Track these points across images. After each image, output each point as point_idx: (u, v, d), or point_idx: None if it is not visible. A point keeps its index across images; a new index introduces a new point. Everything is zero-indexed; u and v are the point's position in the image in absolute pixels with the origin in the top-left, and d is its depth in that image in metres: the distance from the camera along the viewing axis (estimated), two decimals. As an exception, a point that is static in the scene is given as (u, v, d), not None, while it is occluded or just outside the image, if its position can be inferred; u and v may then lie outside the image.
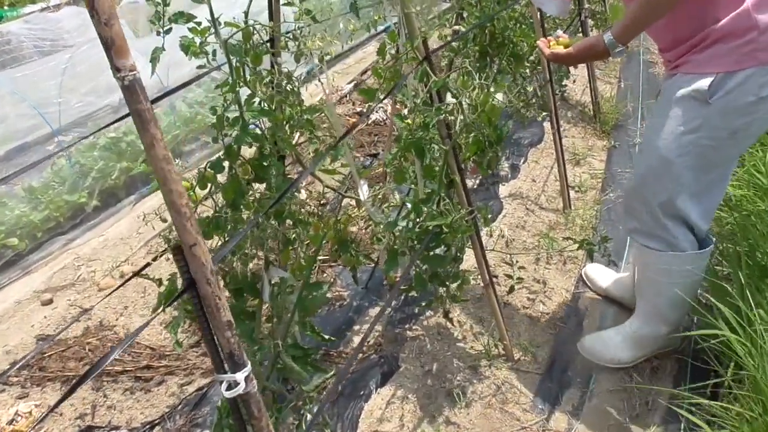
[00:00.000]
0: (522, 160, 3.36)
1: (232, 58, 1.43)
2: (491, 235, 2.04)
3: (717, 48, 1.50)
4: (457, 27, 3.14)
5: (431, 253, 1.80)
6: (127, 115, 1.44)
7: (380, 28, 6.33)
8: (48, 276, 2.72)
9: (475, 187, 3.12)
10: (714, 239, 1.86)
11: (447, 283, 1.88)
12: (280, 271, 1.69)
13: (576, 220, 2.89)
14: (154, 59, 1.27)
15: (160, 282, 1.66)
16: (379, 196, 2.19)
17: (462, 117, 1.76)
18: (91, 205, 3.01)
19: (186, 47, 1.36)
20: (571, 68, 3.84)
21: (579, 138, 3.68)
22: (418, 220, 1.79)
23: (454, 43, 2.99)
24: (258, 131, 1.48)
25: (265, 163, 1.60)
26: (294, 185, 1.56)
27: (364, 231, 2.58)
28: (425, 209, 1.78)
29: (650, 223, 1.75)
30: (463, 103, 1.72)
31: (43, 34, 4.47)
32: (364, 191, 2.01)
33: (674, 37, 1.60)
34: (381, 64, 1.91)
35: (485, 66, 3.23)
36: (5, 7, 8.26)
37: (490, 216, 1.96)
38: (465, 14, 3.55)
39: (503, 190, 3.10)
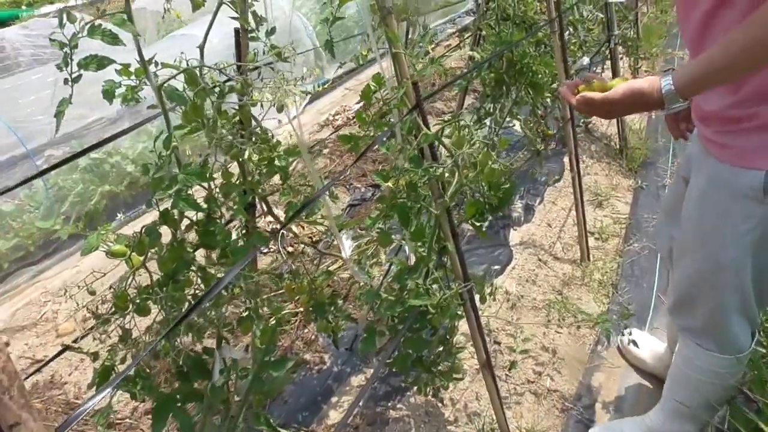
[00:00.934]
0: (538, 200, 3.06)
1: (169, 104, 1.18)
2: (494, 297, 1.76)
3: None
4: (472, 53, 2.85)
5: (415, 335, 1.52)
6: (115, 136, 1.17)
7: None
8: (10, 313, 2.50)
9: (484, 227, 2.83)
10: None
11: (433, 369, 1.59)
12: (232, 351, 1.43)
13: (594, 274, 2.58)
14: (59, 114, 1.02)
15: (95, 356, 1.43)
16: (367, 252, 1.92)
17: (457, 177, 1.48)
18: (66, 231, 2.78)
19: (109, 92, 1.11)
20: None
21: (602, 175, 3.36)
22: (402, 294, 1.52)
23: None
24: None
25: (212, 228, 1.34)
26: (247, 259, 1.30)
27: (348, 285, 2.30)
28: (409, 282, 1.50)
29: (707, 322, 1.44)
30: (459, 161, 1.44)
31: (42, 42, 4.28)
32: (347, 248, 1.73)
33: (737, 99, 1.16)
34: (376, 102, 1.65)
35: (501, 95, 2.95)
36: (23, 7, 8.19)
37: (489, 291, 1.66)
38: (482, 37, 3.28)
39: (514, 235, 2.80)
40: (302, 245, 2.75)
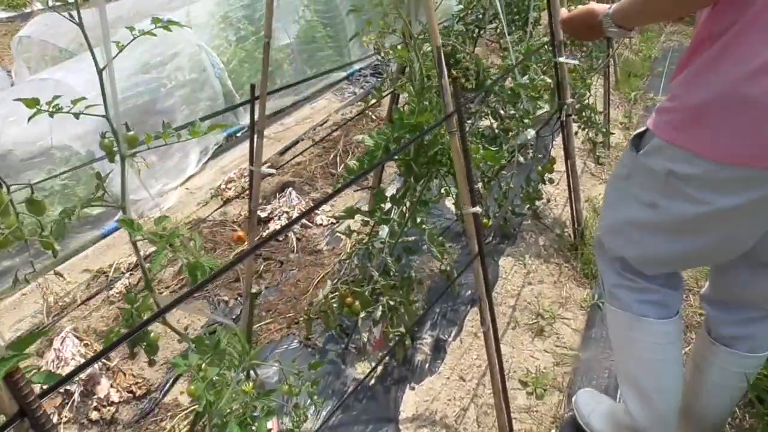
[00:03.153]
0: (453, 332, 2.27)
1: None
2: None
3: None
4: (361, 137, 2.08)
5: None
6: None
7: (342, 74, 5.30)
8: None
9: (370, 383, 2.03)
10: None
11: None
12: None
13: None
14: None
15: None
16: None
17: None
18: None
19: None
20: (548, 183, 2.74)
21: (549, 283, 2.59)
22: None
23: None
24: None
25: None
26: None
27: None
28: None
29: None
30: None
31: None
32: None
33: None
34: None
35: (406, 191, 2.18)
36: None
37: None
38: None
39: (409, 400, 1.99)
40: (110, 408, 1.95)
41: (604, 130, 2.69)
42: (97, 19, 4.00)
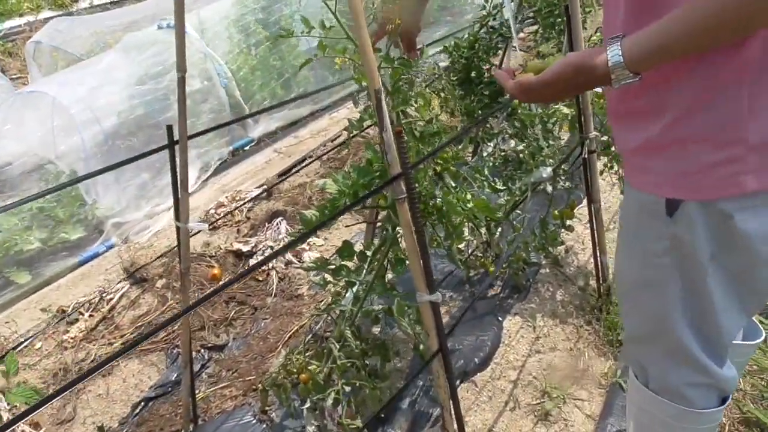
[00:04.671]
0: (434, 415, 1.89)
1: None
2: None
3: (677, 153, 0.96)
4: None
5: None
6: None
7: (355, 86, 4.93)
8: None
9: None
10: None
11: None
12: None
13: None
14: None
15: None
16: None
17: None
18: None
19: None
20: (567, 231, 2.30)
21: (564, 350, 2.16)
22: None
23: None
24: None
25: None
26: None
27: None
28: None
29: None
30: None
31: None
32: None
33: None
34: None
35: (381, 245, 1.82)
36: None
37: None
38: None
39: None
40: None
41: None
42: (111, 23, 3.76)
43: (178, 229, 1.57)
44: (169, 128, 1.42)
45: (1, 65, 5.45)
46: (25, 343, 2.30)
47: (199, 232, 2.76)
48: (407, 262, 1.81)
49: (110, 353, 2.19)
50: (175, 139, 1.43)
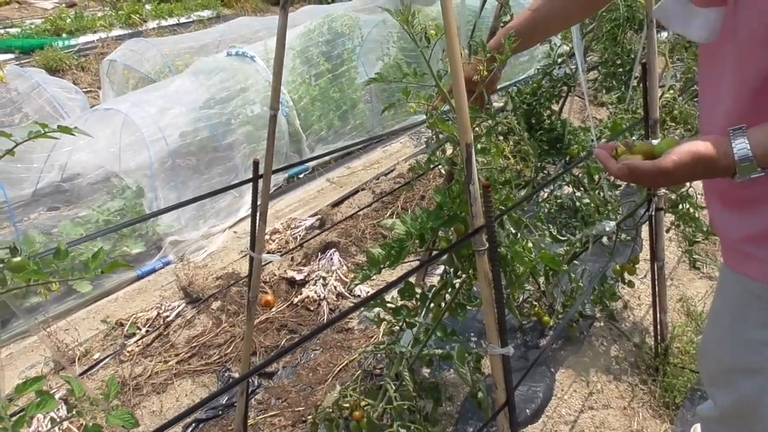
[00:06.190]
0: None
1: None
2: None
3: None
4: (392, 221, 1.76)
5: None
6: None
7: (422, 116, 5.00)
8: None
9: None
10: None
11: None
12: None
13: None
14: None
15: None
16: None
17: None
18: None
19: None
20: (627, 287, 2.26)
21: (617, 410, 2.11)
22: None
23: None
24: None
25: None
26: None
27: None
28: None
29: None
30: None
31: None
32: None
33: None
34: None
35: (443, 287, 1.82)
36: (63, 35, 7.85)
37: None
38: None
39: None
40: None
41: (706, 228, 2.17)
42: (180, 47, 3.90)
43: (251, 258, 1.61)
44: (256, 164, 1.48)
45: (74, 78, 5.71)
46: (83, 351, 2.37)
47: (270, 262, 2.81)
48: (468, 307, 1.82)
49: (165, 370, 2.24)
50: (260, 173, 1.48)
